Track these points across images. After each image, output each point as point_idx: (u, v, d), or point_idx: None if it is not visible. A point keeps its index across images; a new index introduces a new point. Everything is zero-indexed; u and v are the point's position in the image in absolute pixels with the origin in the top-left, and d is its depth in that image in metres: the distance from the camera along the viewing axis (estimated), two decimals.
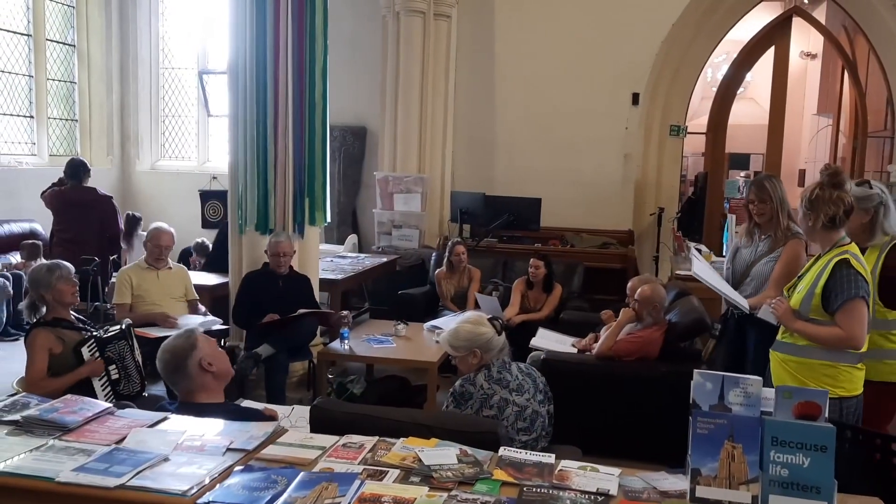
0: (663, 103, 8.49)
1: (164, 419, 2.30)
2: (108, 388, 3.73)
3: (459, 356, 3.09)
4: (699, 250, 4.75)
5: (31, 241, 7.21)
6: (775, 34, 8.59)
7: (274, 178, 5.28)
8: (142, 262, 5.00)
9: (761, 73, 12.98)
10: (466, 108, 8.56)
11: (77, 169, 5.83)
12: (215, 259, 6.11)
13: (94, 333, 3.73)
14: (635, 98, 8.31)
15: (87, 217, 5.75)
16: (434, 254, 7.10)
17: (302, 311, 4.80)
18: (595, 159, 8.35)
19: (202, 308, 5.11)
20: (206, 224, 9.23)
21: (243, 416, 2.63)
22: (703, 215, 7.37)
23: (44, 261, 6.91)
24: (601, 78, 8.26)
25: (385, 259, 7.05)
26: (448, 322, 5.65)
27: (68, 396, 2.38)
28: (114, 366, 3.75)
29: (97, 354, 3.68)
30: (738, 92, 12.62)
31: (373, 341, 5.17)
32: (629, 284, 5.01)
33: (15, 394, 4.86)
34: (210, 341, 2.71)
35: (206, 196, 9.34)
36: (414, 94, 8.17)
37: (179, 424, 2.27)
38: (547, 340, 5.11)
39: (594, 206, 8.27)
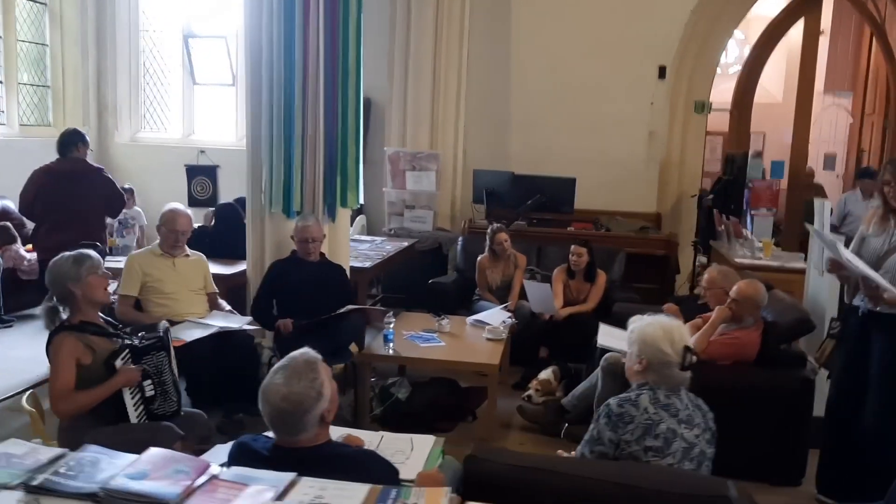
0: (689, 78, 7.98)
1: (292, 484, 1.69)
2: (142, 408, 3.09)
3: (629, 351, 2.64)
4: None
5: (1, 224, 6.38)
6: (806, 5, 8.12)
7: (302, 155, 4.64)
8: (155, 247, 4.32)
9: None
10: (480, 80, 7.91)
11: (64, 141, 5.05)
12: (217, 242, 5.42)
13: (129, 342, 3.08)
14: (662, 71, 7.77)
15: (79, 192, 4.98)
16: (460, 238, 6.50)
17: (350, 307, 4.20)
18: (618, 137, 7.80)
19: (224, 304, 4.46)
20: (192, 202, 8.48)
21: (354, 465, 2.07)
22: (741, 197, 6.90)
23: (20, 248, 6.18)
24: (626, 49, 7.69)
25: (406, 243, 6.44)
26: (493, 316, 5.12)
27: (153, 451, 1.76)
28: (149, 381, 3.11)
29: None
30: (735, 70, 12.23)
31: (418, 339, 4.59)
32: (706, 276, 4.51)
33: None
34: (329, 374, 2.12)
35: (193, 171, 8.60)
36: (426, 65, 7.54)
37: (310, 489, 1.67)
38: (612, 338, 4.57)
39: (617, 187, 7.73)
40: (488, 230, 5.72)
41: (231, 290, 4.90)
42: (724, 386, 3.86)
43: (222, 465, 1.87)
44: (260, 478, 1.68)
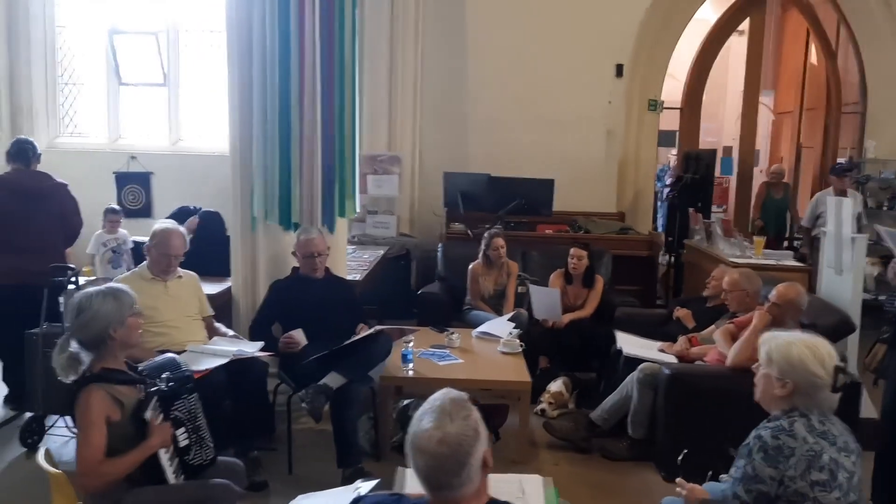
0: (642, 76, 7.95)
1: None
2: (177, 461, 2.65)
3: (765, 373, 2.32)
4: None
5: None
6: (751, 5, 8.27)
7: (300, 160, 4.22)
8: (143, 270, 3.80)
9: (679, 50, 12.86)
10: (435, 80, 7.63)
11: (24, 149, 4.40)
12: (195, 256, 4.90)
13: (156, 388, 2.61)
14: (619, 70, 7.72)
15: (45, 211, 4.32)
16: (440, 245, 6.18)
17: (378, 327, 3.83)
18: (577, 136, 7.70)
19: (223, 328, 3.99)
20: (124, 213, 7.78)
21: None
22: (710, 196, 6.91)
23: None
24: (584, 47, 7.61)
25: (381, 251, 6.08)
26: (498, 326, 4.83)
27: None
28: (183, 429, 2.67)
29: (161, 417, 2.59)
30: None
31: (432, 357, 4.26)
32: (727, 279, 4.40)
33: None
34: (479, 412, 1.80)
35: (123, 179, 7.90)
36: (382, 65, 7.20)
37: None
38: (635, 347, 4.41)
39: (578, 187, 7.59)
40: (485, 235, 5.43)
41: (216, 310, 4.41)
42: None
43: None
44: None
